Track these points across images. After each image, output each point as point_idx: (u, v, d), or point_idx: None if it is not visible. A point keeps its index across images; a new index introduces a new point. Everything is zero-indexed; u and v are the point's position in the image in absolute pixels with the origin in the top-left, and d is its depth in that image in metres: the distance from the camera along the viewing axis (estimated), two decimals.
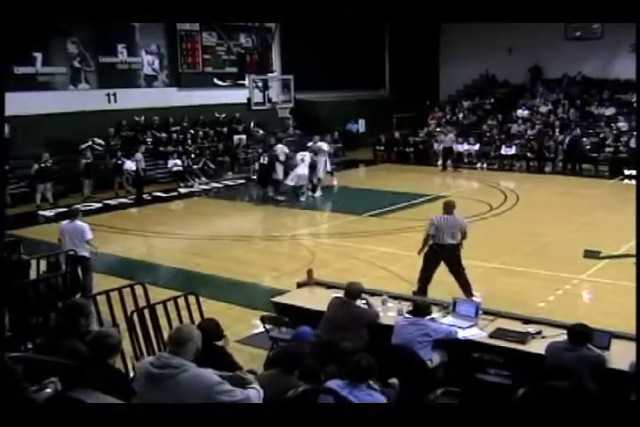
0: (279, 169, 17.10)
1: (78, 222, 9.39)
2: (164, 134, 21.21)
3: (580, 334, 5.43)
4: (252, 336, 8.02)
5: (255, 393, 3.84)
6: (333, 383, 4.72)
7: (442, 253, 9.10)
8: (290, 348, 5.13)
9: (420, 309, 6.35)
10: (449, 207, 9.26)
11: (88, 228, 9.41)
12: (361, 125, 26.81)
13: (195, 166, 20.29)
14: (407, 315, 6.46)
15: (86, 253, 9.28)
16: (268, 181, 17.32)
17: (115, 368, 4.18)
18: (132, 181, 18.18)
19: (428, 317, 6.36)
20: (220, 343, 5.34)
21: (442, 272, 10.71)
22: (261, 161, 17.72)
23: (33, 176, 16.79)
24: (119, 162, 18.53)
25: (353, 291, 6.61)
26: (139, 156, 17.73)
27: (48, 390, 3.87)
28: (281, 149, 17.46)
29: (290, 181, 16.92)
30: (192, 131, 22.05)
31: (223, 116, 23.20)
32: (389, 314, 6.85)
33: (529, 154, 22.27)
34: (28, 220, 15.22)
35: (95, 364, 3.92)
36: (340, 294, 6.75)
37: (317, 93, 25.50)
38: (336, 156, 24.06)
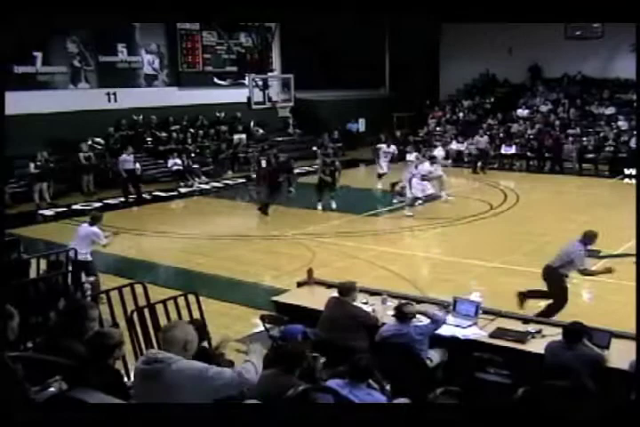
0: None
1: (95, 229, 9.46)
2: (163, 134, 21.23)
3: (573, 331, 5.44)
4: (252, 335, 8.02)
5: (250, 366, 3.84)
6: (333, 383, 4.73)
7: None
8: (290, 347, 5.13)
9: (403, 314, 6.27)
10: (585, 236, 8.45)
11: (103, 235, 9.48)
12: (361, 125, 26.80)
13: (195, 166, 20.29)
14: (392, 321, 6.38)
15: (89, 257, 9.37)
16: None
17: (114, 368, 4.18)
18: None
19: (413, 321, 6.30)
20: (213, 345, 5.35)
21: (443, 271, 10.77)
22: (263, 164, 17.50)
23: (30, 175, 16.82)
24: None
25: (345, 289, 6.65)
26: (123, 157, 17.66)
27: (52, 389, 3.89)
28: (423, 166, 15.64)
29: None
30: (192, 130, 22.05)
31: (222, 115, 23.18)
32: (389, 313, 6.84)
33: (529, 153, 22.28)
34: (27, 219, 15.25)
35: (95, 364, 3.93)
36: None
37: (317, 92, 25.51)
38: (335, 155, 24.08)
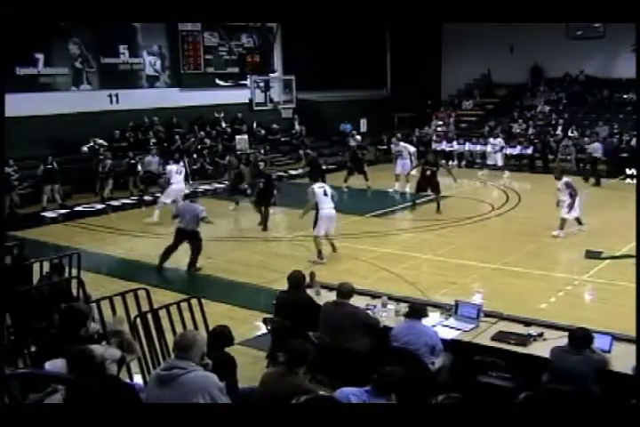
0: None
1: (197, 205, 11.26)
2: (165, 135, 21.26)
3: (581, 337, 5.43)
4: (254, 338, 8.04)
5: None
6: (349, 391, 4.64)
7: None
8: (295, 345, 5.12)
9: (416, 311, 6.33)
10: None
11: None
12: (363, 125, 26.74)
13: (194, 167, 20.33)
14: (404, 318, 6.44)
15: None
16: None
17: (117, 378, 4.20)
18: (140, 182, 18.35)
19: (425, 319, 6.35)
20: None
21: (445, 273, 10.77)
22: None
23: (39, 177, 16.88)
24: (132, 162, 18.63)
25: (344, 290, 6.65)
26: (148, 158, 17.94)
27: (58, 395, 3.93)
28: None
29: None
30: (194, 131, 22.07)
31: (222, 115, 23.17)
32: (389, 315, 6.87)
33: (530, 153, 22.28)
34: (32, 221, 15.33)
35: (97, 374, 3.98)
36: None
37: (319, 93, 25.52)
38: (336, 155, 24.12)
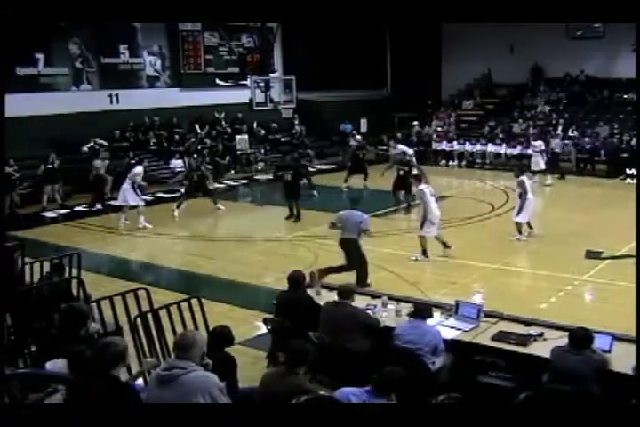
0: None
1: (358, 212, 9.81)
2: (166, 135, 21.25)
3: (581, 337, 5.43)
4: (255, 338, 8.04)
5: None
6: (349, 391, 4.65)
7: None
8: (295, 345, 5.12)
9: (421, 311, 6.35)
10: None
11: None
12: (363, 125, 26.74)
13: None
14: (409, 318, 6.45)
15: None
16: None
17: (117, 378, 4.19)
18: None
19: (429, 319, 6.37)
20: None
21: (445, 273, 10.77)
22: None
23: (40, 177, 16.85)
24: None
25: (345, 290, 6.65)
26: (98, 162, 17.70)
27: (58, 395, 3.94)
28: None
29: None
30: (194, 131, 22.07)
31: (222, 115, 23.16)
32: (389, 315, 6.87)
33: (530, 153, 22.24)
34: (32, 221, 15.34)
35: (98, 374, 3.97)
36: None
37: (319, 93, 25.53)
38: (336, 154, 24.08)
